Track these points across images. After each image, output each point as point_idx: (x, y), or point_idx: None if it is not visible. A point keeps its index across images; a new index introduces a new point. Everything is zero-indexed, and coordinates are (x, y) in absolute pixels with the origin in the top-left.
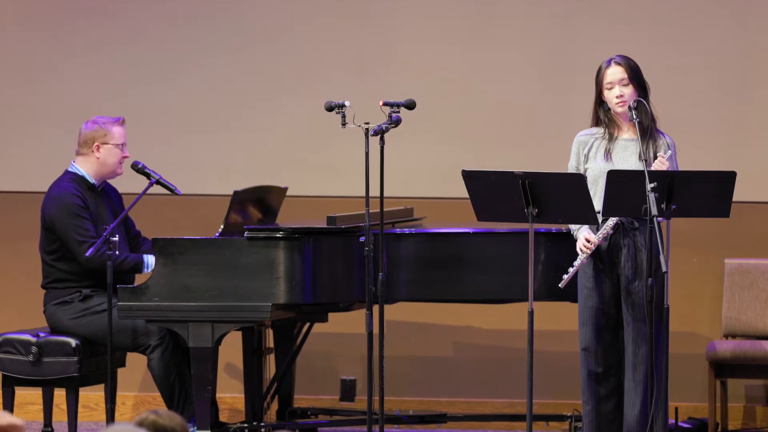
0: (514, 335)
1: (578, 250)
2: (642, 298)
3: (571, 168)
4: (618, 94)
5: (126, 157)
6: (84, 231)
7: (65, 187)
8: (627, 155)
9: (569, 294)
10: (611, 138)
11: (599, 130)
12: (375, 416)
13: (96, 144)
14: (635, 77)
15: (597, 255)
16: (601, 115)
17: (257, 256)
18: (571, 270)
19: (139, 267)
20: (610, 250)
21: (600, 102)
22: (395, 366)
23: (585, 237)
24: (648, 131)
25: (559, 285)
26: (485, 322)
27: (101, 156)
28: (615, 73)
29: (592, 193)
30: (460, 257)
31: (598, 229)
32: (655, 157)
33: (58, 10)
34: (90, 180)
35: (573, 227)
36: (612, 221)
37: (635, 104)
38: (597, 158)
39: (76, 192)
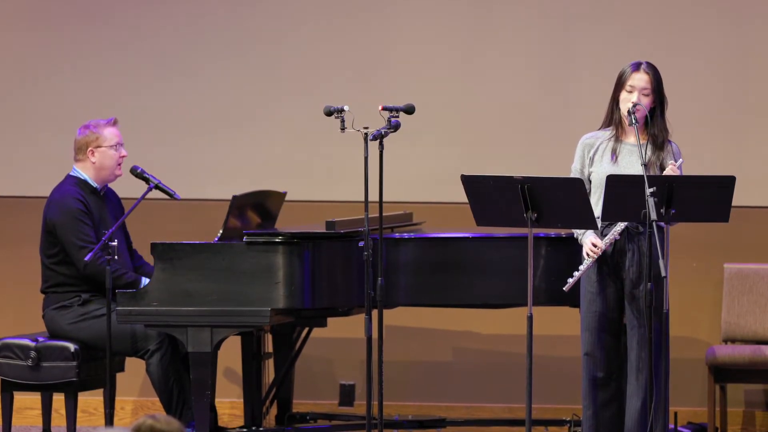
0: (513, 340)
1: (584, 254)
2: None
3: (574, 170)
4: (635, 100)
5: (124, 156)
6: (84, 236)
7: (68, 190)
8: (633, 160)
9: (569, 299)
10: (617, 140)
11: (605, 133)
12: (374, 421)
13: (90, 149)
14: (657, 89)
15: (602, 260)
16: (616, 114)
17: (256, 261)
18: (576, 274)
19: (135, 286)
20: (615, 255)
21: (616, 102)
22: (394, 371)
23: (592, 242)
24: (652, 141)
25: (564, 288)
26: (484, 326)
27: (97, 160)
28: (641, 80)
29: (597, 197)
30: (459, 262)
31: (602, 233)
32: (663, 167)
33: (59, 14)
34: (92, 184)
35: (578, 232)
36: (620, 227)
37: (633, 109)
38: (603, 161)
39: (79, 196)
